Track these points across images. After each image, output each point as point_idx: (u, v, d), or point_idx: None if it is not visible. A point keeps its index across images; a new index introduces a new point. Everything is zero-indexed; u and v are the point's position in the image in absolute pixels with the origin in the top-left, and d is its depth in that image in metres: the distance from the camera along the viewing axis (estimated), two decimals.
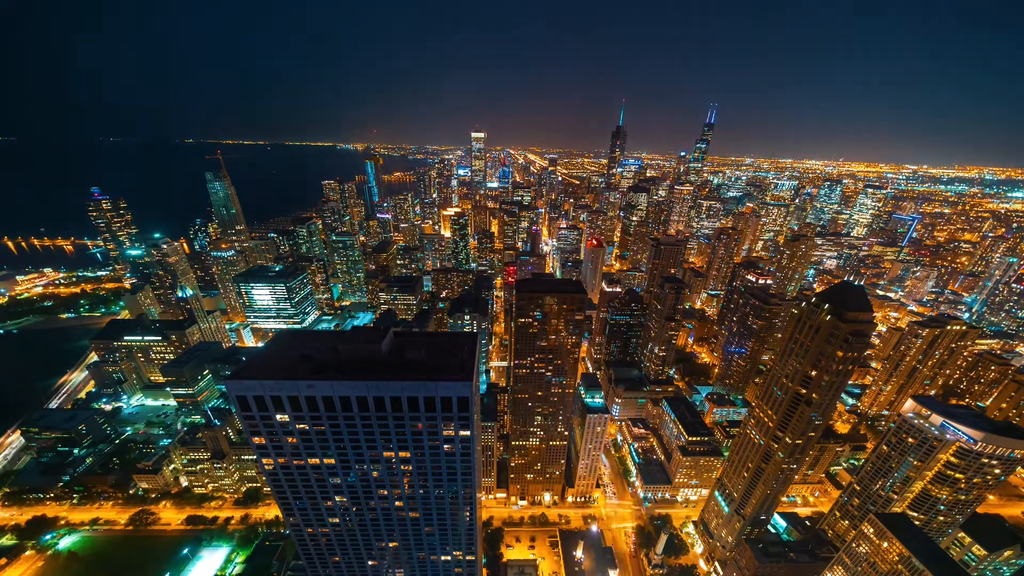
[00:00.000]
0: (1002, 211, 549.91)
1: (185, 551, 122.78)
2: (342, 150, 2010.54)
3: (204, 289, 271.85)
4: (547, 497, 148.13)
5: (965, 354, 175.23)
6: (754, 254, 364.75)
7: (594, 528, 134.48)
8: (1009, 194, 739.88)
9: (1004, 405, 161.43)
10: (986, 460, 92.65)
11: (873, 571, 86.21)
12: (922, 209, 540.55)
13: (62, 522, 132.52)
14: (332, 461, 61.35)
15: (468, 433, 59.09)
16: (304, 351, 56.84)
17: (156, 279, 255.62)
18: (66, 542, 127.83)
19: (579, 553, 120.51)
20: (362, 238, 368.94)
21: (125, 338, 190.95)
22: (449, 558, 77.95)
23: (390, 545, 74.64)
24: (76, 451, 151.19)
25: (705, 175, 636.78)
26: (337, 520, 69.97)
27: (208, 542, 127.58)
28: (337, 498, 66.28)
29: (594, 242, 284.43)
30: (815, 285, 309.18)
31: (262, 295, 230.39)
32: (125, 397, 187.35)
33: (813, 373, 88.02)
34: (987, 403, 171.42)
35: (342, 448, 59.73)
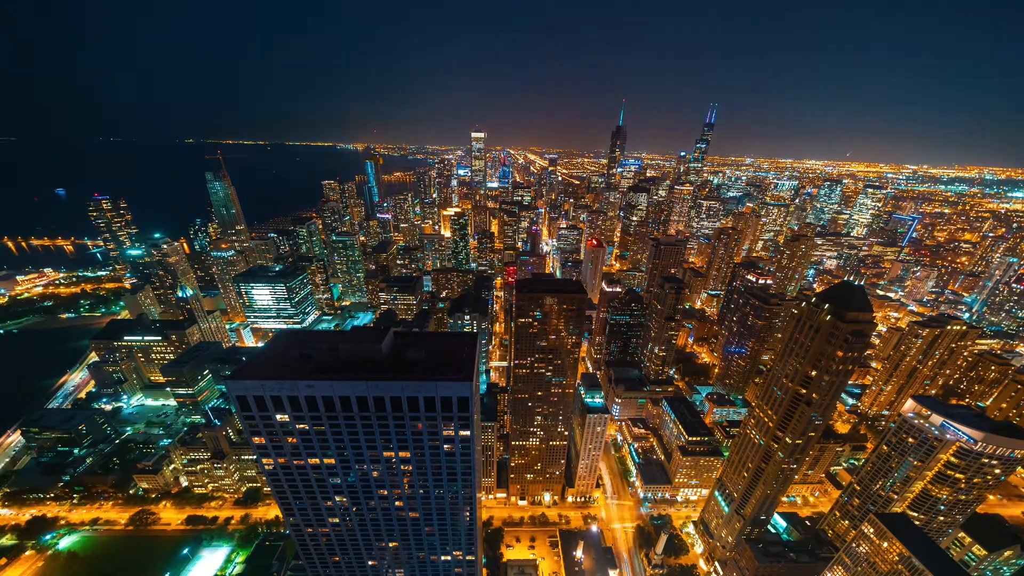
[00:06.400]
0: (1002, 211, 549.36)
1: (185, 551, 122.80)
2: (342, 150, 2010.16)
3: (204, 289, 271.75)
4: (547, 497, 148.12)
5: (965, 354, 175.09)
6: (754, 254, 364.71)
7: (594, 528, 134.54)
8: (1009, 194, 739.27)
9: (1004, 405, 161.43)
10: (986, 460, 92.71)
11: (873, 571, 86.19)
12: (922, 209, 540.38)
13: (62, 522, 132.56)
14: (332, 461, 61.28)
15: (468, 433, 59.03)
16: (304, 351, 56.69)
17: (156, 279, 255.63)
18: (66, 542, 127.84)
19: (579, 553, 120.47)
20: (362, 238, 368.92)
21: (125, 338, 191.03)
22: (449, 558, 77.91)
23: (390, 545, 74.59)
24: (76, 451, 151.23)
25: (705, 175, 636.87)
26: (337, 520, 69.92)
27: (208, 542, 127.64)
28: (337, 498, 66.23)
29: (594, 242, 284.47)
30: (815, 285, 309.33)
31: (262, 295, 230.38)
32: (125, 397, 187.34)
33: (813, 373, 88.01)
34: (987, 403, 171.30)
35: (342, 448, 59.69)
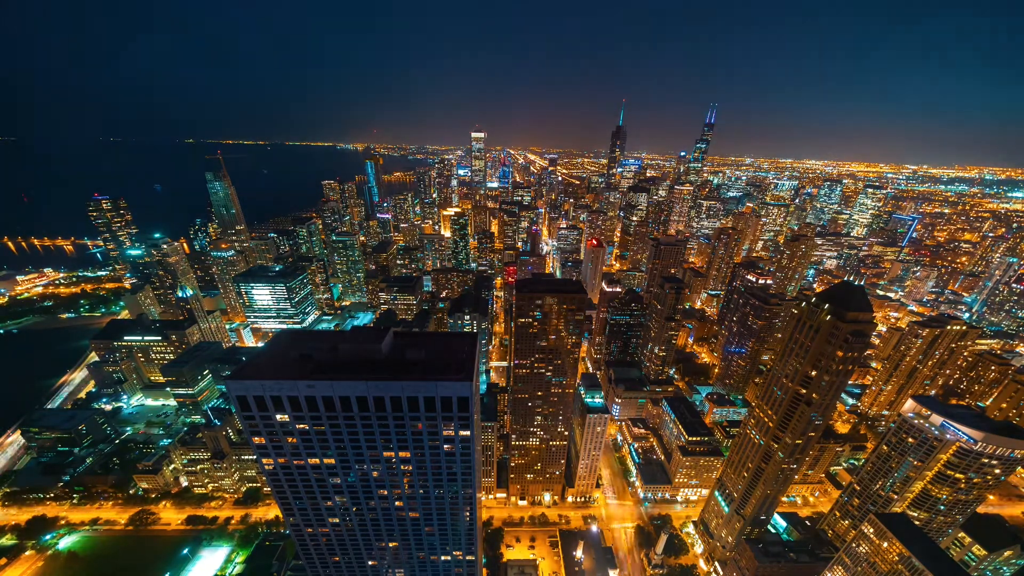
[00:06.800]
0: (1002, 211, 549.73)
1: (185, 551, 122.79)
2: (342, 150, 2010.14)
3: (204, 289, 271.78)
4: (547, 497, 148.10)
5: (965, 354, 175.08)
6: (754, 254, 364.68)
7: (594, 528, 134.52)
8: (1009, 194, 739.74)
9: (1004, 405, 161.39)
10: (986, 460, 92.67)
11: (873, 571, 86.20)
12: (922, 209, 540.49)
13: (62, 522, 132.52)
14: (332, 461, 61.29)
15: (468, 433, 59.05)
16: (304, 351, 56.71)
17: (156, 279, 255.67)
18: (66, 542, 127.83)
19: (579, 553, 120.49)
20: (362, 238, 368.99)
21: (125, 338, 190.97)
22: (449, 558, 77.91)
23: (390, 545, 74.59)
24: (76, 451, 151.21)
25: (705, 175, 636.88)
26: (337, 520, 69.94)
27: (208, 542, 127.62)
28: (337, 498, 66.24)
29: (594, 242, 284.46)
30: (815, 285, 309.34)
31: (262, 295, 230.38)
32: (125, 397, 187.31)
33: (813, 373, 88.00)
34: (987, 403, 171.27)
35: (342, 448, 59.70)
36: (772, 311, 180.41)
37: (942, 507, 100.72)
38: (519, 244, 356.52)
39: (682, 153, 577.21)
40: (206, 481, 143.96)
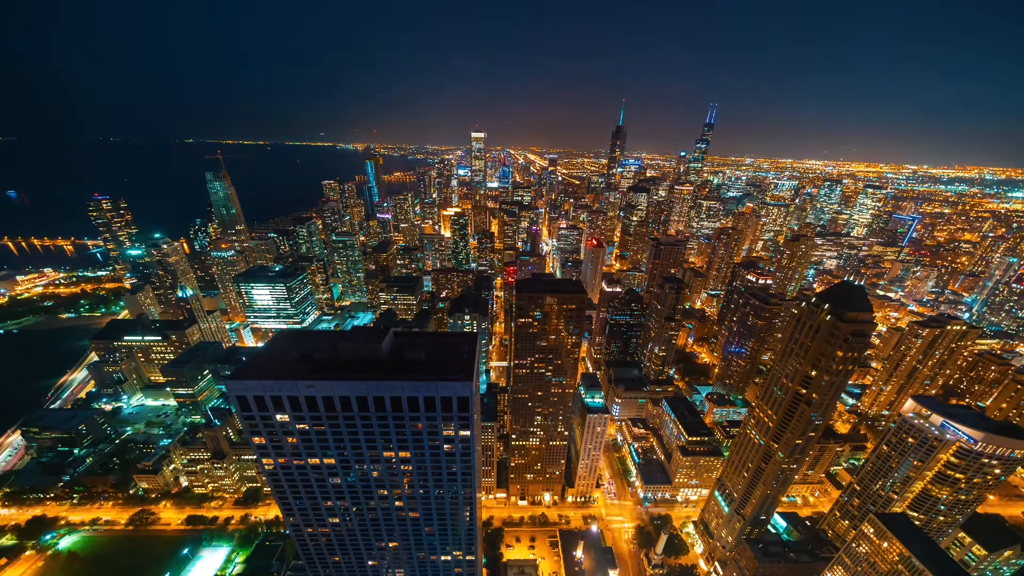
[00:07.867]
0: (1002, 211, 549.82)
1: (185, 551, 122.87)
2: (342, 150, 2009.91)
3: (204, 289, 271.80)
4: (547, 497, 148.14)
5: (965, 354, 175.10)
6: (754, 254, 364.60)
7: (594, 528, 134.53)
8: (1009, 194, 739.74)
9: (1004, 405, 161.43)
10: (986, 460, 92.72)
11: (873, 571, 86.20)
12: (922, 209, 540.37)
13: (62, 522, 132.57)
14: (332, 461, 61.29)
15: (468, 433, 59.04)
16: (304, 351, 56.74)
17: (156, 279, 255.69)
18: (66, 542, 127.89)
19: (579, 553, 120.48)
20: (362, 238, 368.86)
21: (125, 338, 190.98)
22: (449, 558, 77.90)
23: (390, 545, 74.59)
24: (76, 451, 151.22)
25: (705, 175, 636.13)
26: (337, 520, 69.92)
27: (208, 542, 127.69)
28: (337, 498, 66.28)
29: (594, 242, 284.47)
30: (815, 285, 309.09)
31: (262, 295, 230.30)
32: (125, 397, 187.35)
33: (813, 373, 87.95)
34: (987, 403, 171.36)
35: (342, 448, 59.70)
36: (772, 311, 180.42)
37: (942, 507, 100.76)
38: (519, 244, 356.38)
39: (682, 153, 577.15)
40: (206, 481, 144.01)
